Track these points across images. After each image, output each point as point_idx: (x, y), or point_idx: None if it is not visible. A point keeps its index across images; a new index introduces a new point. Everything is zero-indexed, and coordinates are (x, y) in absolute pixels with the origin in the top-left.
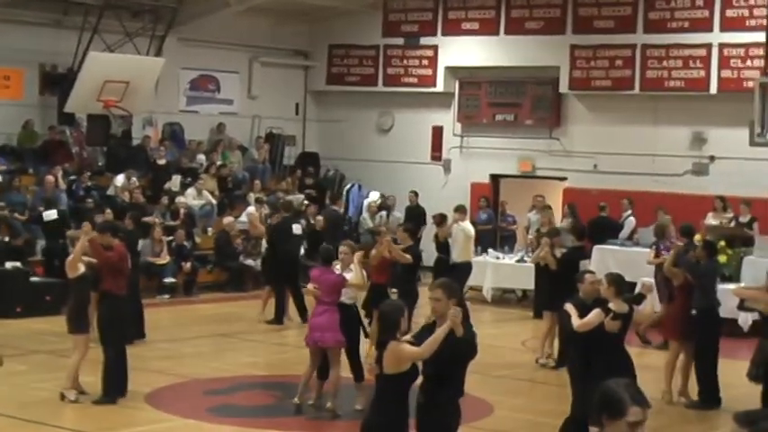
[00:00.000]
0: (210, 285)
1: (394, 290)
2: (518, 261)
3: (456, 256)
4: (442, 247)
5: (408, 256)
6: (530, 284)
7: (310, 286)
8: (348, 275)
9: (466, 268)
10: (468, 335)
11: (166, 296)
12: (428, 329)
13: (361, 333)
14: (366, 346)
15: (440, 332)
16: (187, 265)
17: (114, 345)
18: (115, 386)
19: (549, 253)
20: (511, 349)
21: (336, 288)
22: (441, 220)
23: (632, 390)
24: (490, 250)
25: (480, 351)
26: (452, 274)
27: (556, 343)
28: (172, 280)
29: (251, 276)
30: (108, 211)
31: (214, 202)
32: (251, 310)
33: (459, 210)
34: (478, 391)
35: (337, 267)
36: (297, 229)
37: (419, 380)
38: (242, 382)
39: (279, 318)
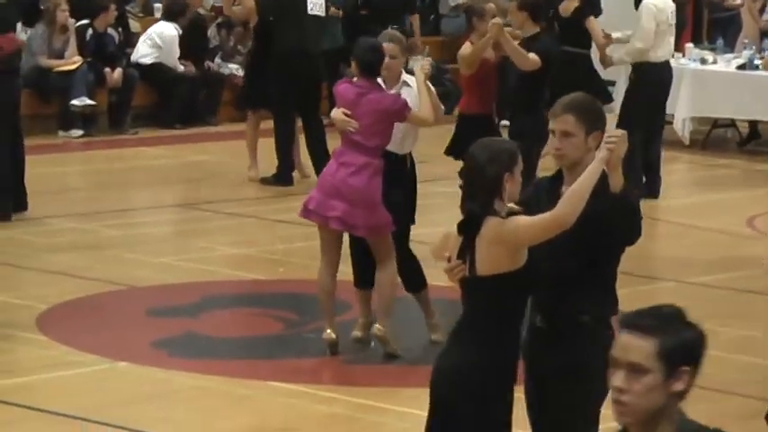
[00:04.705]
0: (142, 114)
1: (505, 122)
2: (741, 68)
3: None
4: None
5: (533, 56)
6: (765, 113)
7: (338, 111)
8: (405, 97)
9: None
10: (630, 193)
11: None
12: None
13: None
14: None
15: (586, 176)
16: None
17: None
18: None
19: None
20: (728, 235)
21: (387, 120)
22: None
23: None
24: (688, 46)
25: (668, 236)
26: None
27: None
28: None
29: (231, 93)
30: None
31: None
32: (227, 158)
33: None
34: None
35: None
36: (315, 3)
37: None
38: (216, 292)
39: (283, 173)
